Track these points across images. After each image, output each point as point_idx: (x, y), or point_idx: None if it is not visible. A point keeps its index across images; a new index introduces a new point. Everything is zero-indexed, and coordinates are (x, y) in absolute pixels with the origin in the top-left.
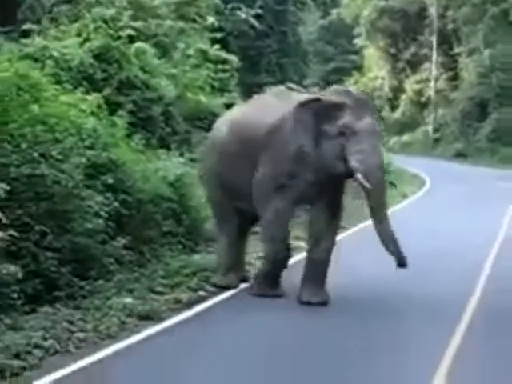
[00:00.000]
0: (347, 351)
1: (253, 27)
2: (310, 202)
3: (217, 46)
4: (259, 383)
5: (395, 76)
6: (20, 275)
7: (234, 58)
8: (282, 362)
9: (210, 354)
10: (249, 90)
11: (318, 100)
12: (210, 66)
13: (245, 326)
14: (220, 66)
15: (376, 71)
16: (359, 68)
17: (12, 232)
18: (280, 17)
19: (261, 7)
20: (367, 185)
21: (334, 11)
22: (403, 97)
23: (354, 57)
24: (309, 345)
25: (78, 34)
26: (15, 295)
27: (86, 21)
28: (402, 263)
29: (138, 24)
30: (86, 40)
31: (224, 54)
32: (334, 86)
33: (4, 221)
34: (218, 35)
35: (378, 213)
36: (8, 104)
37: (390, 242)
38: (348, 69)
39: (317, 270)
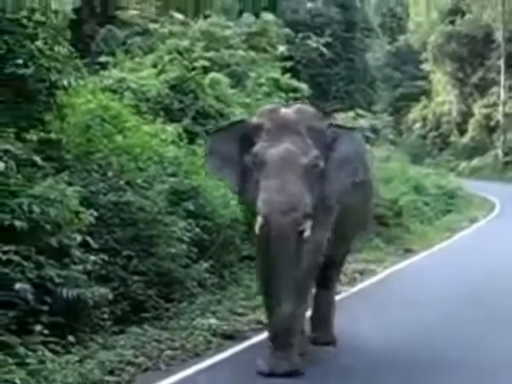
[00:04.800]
0: None
1: (322, 55)
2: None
3: (288, 75)
4: None
5: (463, 101)
6: (111, 297)
7: (304, 87)
8: None
9: None
10: None
11: (241, 122)
12: (282, 94)
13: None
14: (291, 94)
15: (444, 96)
16: (427, 93)
17: (103, 256)
18: (348, 44)
19: (330, 35)
20: (256, 230)
21: (401, 37)
22: (472, 121)
23: (421, 82)
24: None
25: (154, 66)
26: (106, 316)
27: (161, 52)
28: None
29: (211, 54)
30: (162, 71)
31: (295, 83)
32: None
33: (94, 246)
34: (289, 64)
35: (279, 284)
36: (93, 134)
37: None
38: (416, 94)
39: (279, 335)
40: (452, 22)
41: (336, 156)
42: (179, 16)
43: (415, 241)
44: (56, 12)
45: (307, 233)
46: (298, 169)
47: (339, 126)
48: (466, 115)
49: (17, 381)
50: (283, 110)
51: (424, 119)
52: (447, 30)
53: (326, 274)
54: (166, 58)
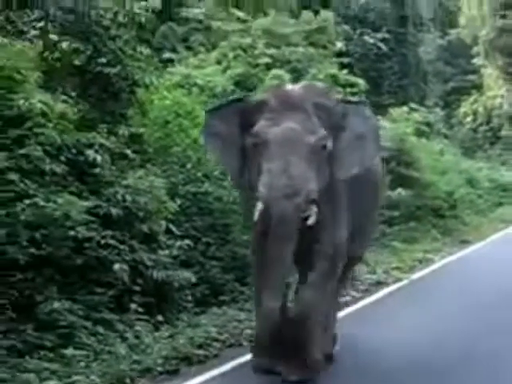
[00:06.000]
0: None
1: (379, 49)
2: None
3: (345, 71)
4: None
5: None
6: (194, 280)
7: (361, 82)
8: None
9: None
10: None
11: (240, 100)
12: (340, 89)
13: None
14: (349, 90)
15: (495, 90)
16: (478, 87)
17: (188, 242)
18: (400, 39)
19: (388, 31)
20: (255, 217)
21: (453, 31)
22: None
23: (472, 76)
24: None
25: (218, 62)
26: (189, 298)
27: (225, 49)
28: None
29: (273, 51)
30: (227, 68)
31: (352, 78)
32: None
33: (176, 233)
34: (346, 60)
35: (270, 275)
36: (171, 129)
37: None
38: (467, 88)
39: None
40: (504, 16)
41: (346, 135)
42: (239, 13)
43: (470, 232)
44: (138, 14)
45: (312, 219)
46: (304, 149)
47: (348, 102)
48: None
49: (122, 350)
50: (288, 87)
51: (475, 113)
52: (499, 25)
53: None
54: (231, 54)
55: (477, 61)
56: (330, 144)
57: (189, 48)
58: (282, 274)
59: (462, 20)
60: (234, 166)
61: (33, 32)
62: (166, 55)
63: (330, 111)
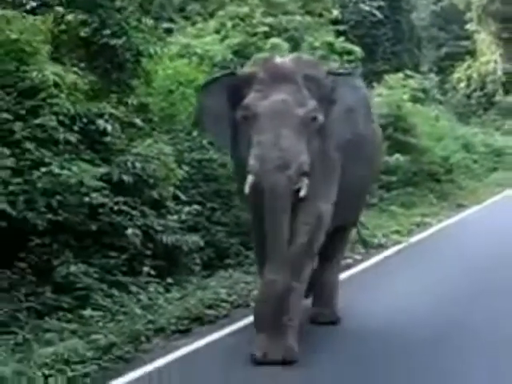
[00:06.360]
0: None
1: (373, 15)
2: None
3: (341, 38)
4: None
5: (508, 60)
6: (202, 244)
7: (357, 49)
8: None
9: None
10: (365, 78)
11: (232, 74)
12: (336, 57)
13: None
14: (345, 57)
15: (488, 56)
16: (471, 53)
17: (196, 207)
18: (395, 5)
19: None
20: (246, 190)
21: None
22: None
23: (466, 42)
24: None
25: (216, 32)
26: (197, 261)
27: (223, 18)
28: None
29: (270, 20)
30: (226, 37)
31: (349, 46)
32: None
33: (183, 198)
34: (341, 28)
35: (269, 249)
36: (174, 98)
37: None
38: (460, 54)
39: (270, 309)
40: None
41: (337, 108)
42: None
43: (467, 196)
44: None
45: (303, 191)
46: (294, 121)
47: (338, 74)
48: (511, 74)
49: (137, 310)
50: (278, 59)
51: (469, 79)
52: None
53: (332, 243)
54: (229, 24)
55: (470, 26)
56: (320, 117)
57: (186, 18)
58: (281, 246)
59: None
60: (227, 139)
61: (32, 3)
62: (164, 25)
63: (319, 83)
